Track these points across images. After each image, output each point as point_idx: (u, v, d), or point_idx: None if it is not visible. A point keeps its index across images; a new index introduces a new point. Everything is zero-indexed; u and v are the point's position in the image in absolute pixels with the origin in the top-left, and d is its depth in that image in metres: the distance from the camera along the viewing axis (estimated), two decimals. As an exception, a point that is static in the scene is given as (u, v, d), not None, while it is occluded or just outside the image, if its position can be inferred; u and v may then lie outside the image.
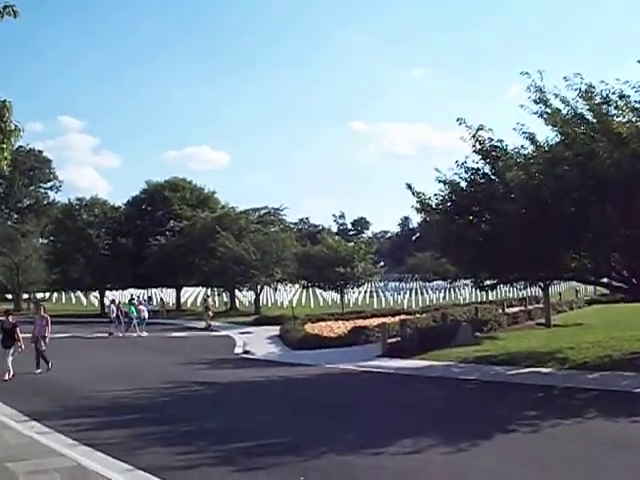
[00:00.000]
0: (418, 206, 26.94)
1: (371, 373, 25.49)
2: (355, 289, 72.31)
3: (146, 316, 49.45)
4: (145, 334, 46.55)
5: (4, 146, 15.40)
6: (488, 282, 29.19)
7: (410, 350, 29.24)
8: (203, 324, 53.03)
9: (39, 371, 25.90)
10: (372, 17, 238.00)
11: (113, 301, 53.20)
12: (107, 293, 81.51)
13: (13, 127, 14.92)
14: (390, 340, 31.74)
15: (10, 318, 25.61)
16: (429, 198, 26.51)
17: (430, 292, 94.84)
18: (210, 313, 54.21)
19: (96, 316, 70.53)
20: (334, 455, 12.30)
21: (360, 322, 43.74)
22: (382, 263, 67.21)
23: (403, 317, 42.00)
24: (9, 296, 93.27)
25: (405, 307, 65.81)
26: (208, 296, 63.87)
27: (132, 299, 65.53)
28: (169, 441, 13.78)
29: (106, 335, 46.47)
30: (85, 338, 45.40)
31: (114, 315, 48.09)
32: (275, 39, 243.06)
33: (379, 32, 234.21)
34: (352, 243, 68.79)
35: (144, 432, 14.64)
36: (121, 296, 78.12)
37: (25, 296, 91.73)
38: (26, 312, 79.54)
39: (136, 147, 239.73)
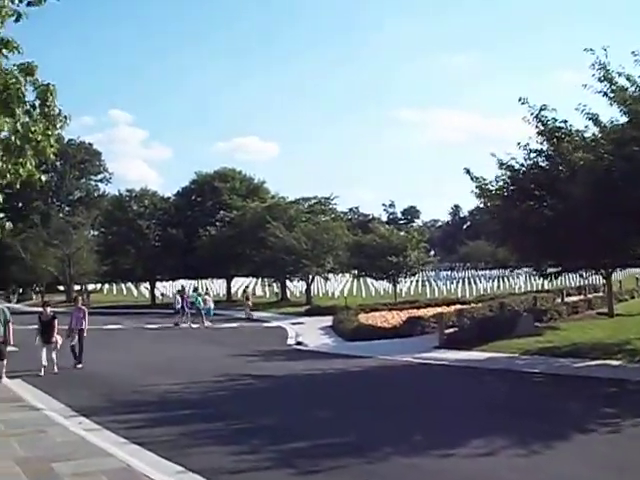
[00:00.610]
0: (477, 191, 25.99)
1: (430, 365, 24.44)
2: (407, 278, 71.28)
3: (212, 306, 49.42)
4: (209, 324, 46.44)
5: (49, 132, 14.83)
6: (551, 270, 28.21)
7: (469, 341, 28.18)
8: (244, 314, 52.96)
9: (80, 365, 24.55)
10: (418, 4, 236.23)
11: (179, 291, 53.17)
12: (157, 284, 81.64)
13: (57, 111, 14.34)
14: (447, 331, 30.76)
15: (48, 310, 23.86)
16: (489, 183, 25.56)
17: (483, 281, 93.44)
18: (250, 303, 54.29)
19: (147, 307, 70.79)
20: (399, 457, 11.37)
21: (414, 312, 42.74)
22: (432, 252, 66.13)
23: (459, 307, 41.09)
24: (61, 287, 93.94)
25: (459, 296, 64.71)
26: (247, 287, 63.46)
27: (182, 290, 65.60)
28: (222, 440, 12.99)
29: (171, 325, 46.85)
30: (136, 329, 45.22)
31: (179, 306, 48.19)
32: (322, 29, 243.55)
33: (424, 18, 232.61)
34: (403, 232, 67.67)
35: (196, 429, 13.86)
36: (172, 287, 78.10)
37: (77, 287, 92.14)
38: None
39: (185, 139, 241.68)
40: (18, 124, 14.53)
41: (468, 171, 25.94)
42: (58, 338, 23.37)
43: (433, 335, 32.13)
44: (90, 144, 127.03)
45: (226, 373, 22.39)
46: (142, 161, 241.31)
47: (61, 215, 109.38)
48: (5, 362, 20.13)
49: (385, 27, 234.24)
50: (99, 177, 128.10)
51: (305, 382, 21.36)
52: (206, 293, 54.85)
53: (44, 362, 22.57)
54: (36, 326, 23.70)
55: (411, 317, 37.63)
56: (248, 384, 20.97)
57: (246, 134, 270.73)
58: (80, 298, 28.77)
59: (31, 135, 14.73)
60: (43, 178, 16.51)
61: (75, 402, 17.03)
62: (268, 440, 12.79)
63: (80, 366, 24.41)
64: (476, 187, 25.95)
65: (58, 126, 15.25)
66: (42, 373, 22.19)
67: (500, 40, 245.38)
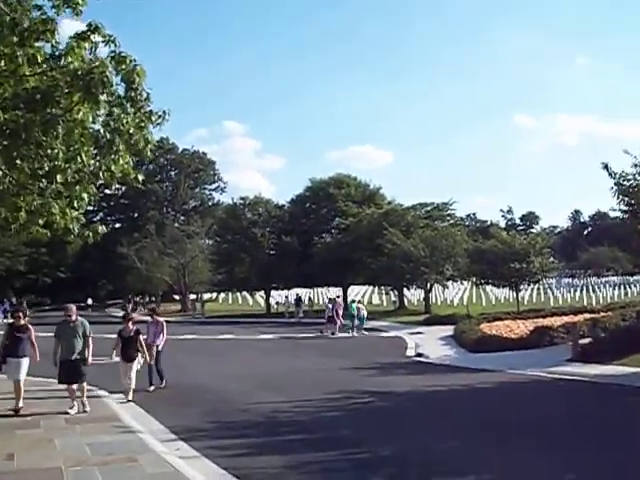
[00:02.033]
0: (616, 189, 23.54)
1: (566, 381, 21.90)
2: (529, 286, 68.07)
3: (365, 315, 47.62)
4: (364, 333, 45.03)
5: (143, 125, 13.41)
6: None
7: (606, 353, 25.50)
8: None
9: (152, 388, 21.35)
10: (533, 8, 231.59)
11: (330, 299, 51.67)
12: (272, 293, 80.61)
13: (145, 95, 12.84)
14: (580, 342, 28.17)
15: (131, 324, 20.20)
16: (632, 178, 23.08)
17: (609, 288, 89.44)
18: (340, 312, 52.47)
19: (262, 316, 69.84)
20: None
21: (540, 321, 40.26)
22: (551, 259, 63.00)
23: (587, 316, 38.48)
24: (177, 297, 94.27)
25: (584, 304, 61.56)
26: (338, 296, 61.98)
27: (299, 299, 64.81)
28: (336, 474, 11.16)
29: (323, 334, 45.33)
30: (249, 339, 43.86)
31: (330, 314, 46.58)
32: (434, 34, 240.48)
33: (540, 23, 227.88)
34: (524, 237, 64.71)
35: (305, 460, 11.95)
36: (289, 295, 77.08)
37: (192, 297, 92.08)
38: (191, 313, 79.66)
39: (298, 149, 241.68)
40: (110, 118, 13.21)
41: (606, 166, 23.56)
42: (140, 357, 20.13)
43: (562, 347, 29.64)
44: (204, 153, 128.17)
45: (341, 389, 20.51)
46: (256, 171, 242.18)
47: (176, 224, 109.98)
48: (85, 385, 17.39)
49: (501, 33, 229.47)
50: (213, 186, 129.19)
51: (429, 400, 19.25)
52: (359, 301, 53.68)
53: (131, 385, 19.53)
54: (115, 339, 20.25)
55: (539, 327, 35.07)
56: (365, 402, 18.85)
57: (359, 143, 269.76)
58: (157, 309, 25.20)
59: (122, 128, 13.30)
60: (140, 177, 15.05)
61: (175, 422, 15.43)
62: (390, 476, 10.90)
63: (152, 389, 21.30)
64: (615, 184, 23.53)
65: (153, 119, 13.85)
66: (131, 397, 19.18)
67: (614, 42, 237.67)
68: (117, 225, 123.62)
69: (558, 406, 17.86)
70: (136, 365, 19.83)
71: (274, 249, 77.49)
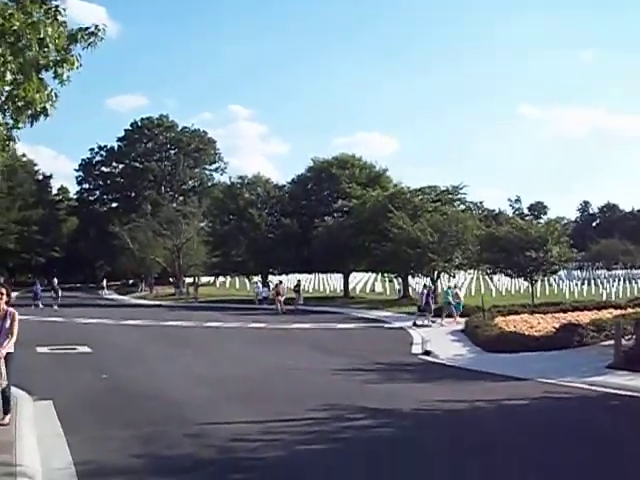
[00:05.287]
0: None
1: (620, 398, 16.99)
2: (544, 277, 63.32)
3: (462, 301, 43.99)
4: (459, 320, 40.44)
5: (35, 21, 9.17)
6: None
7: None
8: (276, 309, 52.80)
9: (7, 419, 12.51)
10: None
11: (425, 285, 48.57)
12: (270, 278, 76.69)
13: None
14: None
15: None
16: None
17: (620, 281, 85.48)
18: (280, 298, 53.48)
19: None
20: None
21: (560, 316, 36.18)
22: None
23: (614, 311, 35.15)
24: (172, 280, 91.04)
25: (604, 298, 57.58)
26: (281, 282, 58.88)
27: (299, 285, 61.35)
28: None
29: (417, 325, 40.56)
30: (238, 328, 40.15)
31: (424, 302, 42.42)
32: (440, 23, 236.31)
33: (545, 14, 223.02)
34: (541, 224, 60.46)
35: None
36: (288, 282, 73.17)
37: (189, 280, 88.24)
38: (184, 297, 76.05)
39: (304, 134, 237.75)
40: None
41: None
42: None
43: (595, 348, 25.81)
44: (205, 132, 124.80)
45: (331, 403, 15.70)
46: (260, 155, 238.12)
47: (174, 205, 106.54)
48: None
49: (506, 24, 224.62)
50: (214, 167, 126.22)
51: (447, 425, 14.12)
52: (455, 286, 50.27)
53: None
54: None
55: (566, 324, 30.57)
56: (361, 427, 13.63)
57: (367, 130, 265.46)
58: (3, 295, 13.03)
59: (5, 24, 8.97)
60: (51, 109, 10.66)
61: (93, 455, 10.91)
62: None
63: (7, 420, 12.50)
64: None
65: (60, 19, 9.59)
66: None
67: (626, 37, 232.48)
68: (114, 205, 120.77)
69: (622, 436, 12.90)
70: None
71: (273, 232, 73.70)
